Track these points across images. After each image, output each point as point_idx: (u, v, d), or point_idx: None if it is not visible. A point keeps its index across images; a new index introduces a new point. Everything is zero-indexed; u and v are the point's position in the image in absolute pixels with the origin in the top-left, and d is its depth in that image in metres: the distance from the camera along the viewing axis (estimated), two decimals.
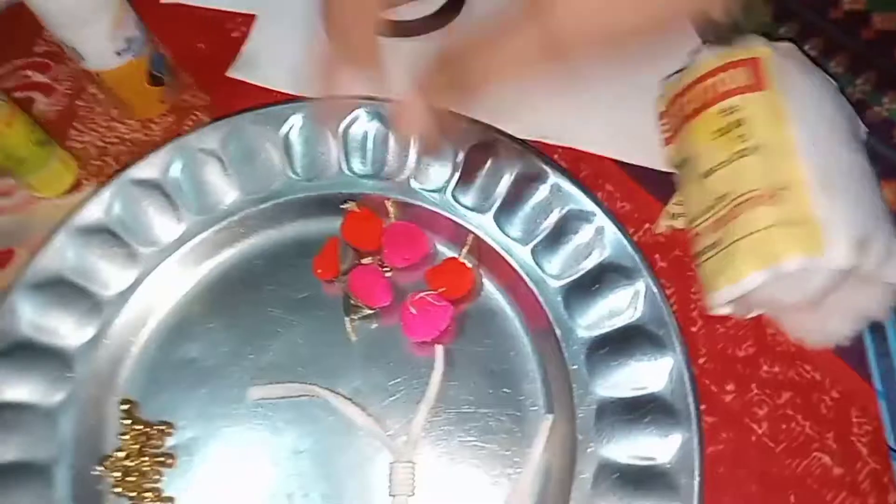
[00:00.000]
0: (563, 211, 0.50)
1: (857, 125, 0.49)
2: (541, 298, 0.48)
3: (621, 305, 0.47)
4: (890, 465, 0.45)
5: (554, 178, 0.51)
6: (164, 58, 0.57)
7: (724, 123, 0.47)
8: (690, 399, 0.44)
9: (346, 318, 0.49)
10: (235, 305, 0.51)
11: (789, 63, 0.48)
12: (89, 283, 0.50)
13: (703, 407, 0.46)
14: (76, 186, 0.56)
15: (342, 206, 0.51)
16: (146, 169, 0.52)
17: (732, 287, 0.45)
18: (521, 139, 0.53)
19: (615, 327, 0.47)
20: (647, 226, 0.53)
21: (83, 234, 0.50)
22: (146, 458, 0.46)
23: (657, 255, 0.51)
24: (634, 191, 0.54)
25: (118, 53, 0.52)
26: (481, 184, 0.52)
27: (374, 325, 0.50)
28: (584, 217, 0.50)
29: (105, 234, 0.50)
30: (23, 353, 0.47)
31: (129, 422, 0.46)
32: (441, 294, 0.48)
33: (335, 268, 0.50)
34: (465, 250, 0.50)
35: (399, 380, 0.48)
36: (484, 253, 0.51)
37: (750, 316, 0.49)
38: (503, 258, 0.50)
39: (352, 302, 0.49)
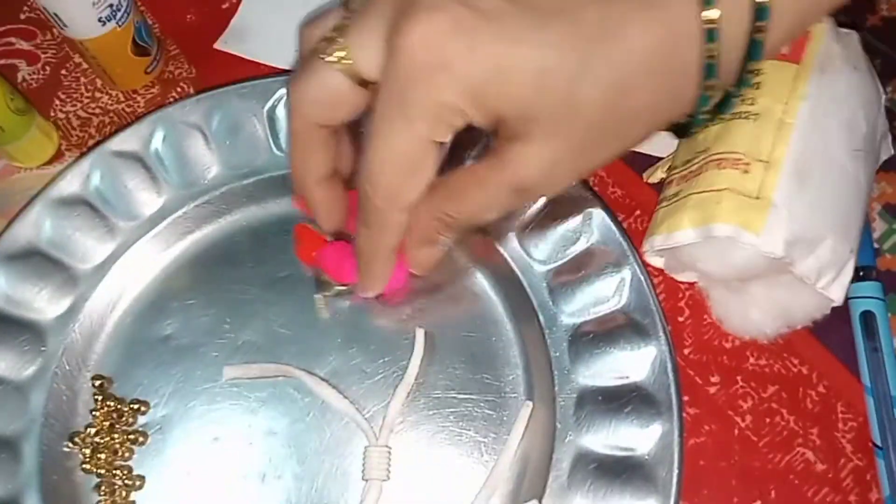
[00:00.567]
0: (552, 195, 0.49)
1: (876, 140, 0.47)
2: (525, 284, 0.47)
3: (607, 293, 0.46)
4: (874, 462, 0.44)
5: None
6: (150, 27, 0.56)
7: None
8: (673, 390, 0.43)
9: (316, 296, 0.48)
10: (214, 283, 0.50)
11: (838, 50, 0.46)
12: (65, 255, 0.49)
13: (686, 398, 0.45)
14: (58, 157, 0.55)
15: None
16: (127, 140, 0.51)
17: (666, 237, 0.44)
18: None
19: (599, 315, 0.46)
20: (637, 213, 0.52)
21: (60, 205, 0.49)
22: (117, 436, 0.45)
23: None
24: (628, 177, 0.53)
25: (101, 21, 0.51)
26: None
27: (347, 303, 0.49)
28: (573, 202, 0.48)
29: (83, 205, 0.49)
30: None
31: (100, 398, 0.46)
32: None
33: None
34: None
35: (378, 363, 0.47)
36: (469, 237, 0.49)
37: (680, 278, 0.49)
38: (489, 242, 0.49)
39: (321, 278, 0.48)
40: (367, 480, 0.43)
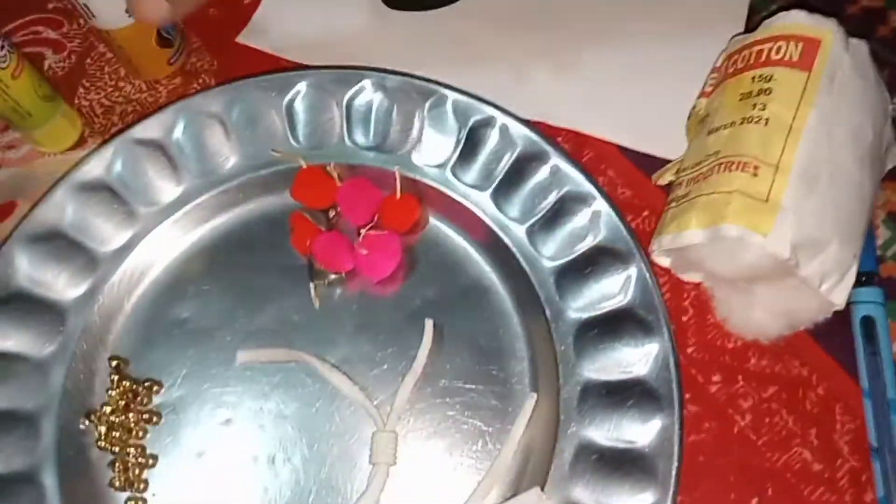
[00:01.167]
0: (562, 192, 0.50)
1: (882, 148, 0.47)
2: (533, 278, 0.49)
3: (613, 289, 0.47)
4: (870, 464, 0.45)
5: (555, 159, 0.50)
6: None
7: (752, 89, 0.46)
8: (674, 385, 0.44)
9: (311, 284, 0.49)
10: (230, 269, 0.51)
11: (847, 58, 0.46)
12: (86, 238, 0.50)
13: (687, 396, 0.46)
14: (80, 143, 0.57)
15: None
16: (149, 129, 0.52)
17: (675, 236, 0.45)
18: (525, 119, 0.52)
19: (605, 310, 0.47)
20: (645, 213, 0.52)
21: (83, 189, 0.50)
22: (132, 415, 0.46)
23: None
24: (636, 178, 0.54)
25: (128, 12, 0.52)
26: (483, 161, 0.52)
27: (339, 291, 0.50)
28: (583, 200, 0.49)
29: (105, 191, 0.51)
30: (17, 304, 0.48)
31: (116, 378, 0.47)
32: (387, 227, 0.50)
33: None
34: (398, 187, 0.51)
35: (388, 351, 0.48)
36: (479, 231, 0.51)
37: (686, 278, 0.50)
38: (498, 237, 0.50)
39: (316, 267, 0.49)
40: (374, 464, 0.44)
